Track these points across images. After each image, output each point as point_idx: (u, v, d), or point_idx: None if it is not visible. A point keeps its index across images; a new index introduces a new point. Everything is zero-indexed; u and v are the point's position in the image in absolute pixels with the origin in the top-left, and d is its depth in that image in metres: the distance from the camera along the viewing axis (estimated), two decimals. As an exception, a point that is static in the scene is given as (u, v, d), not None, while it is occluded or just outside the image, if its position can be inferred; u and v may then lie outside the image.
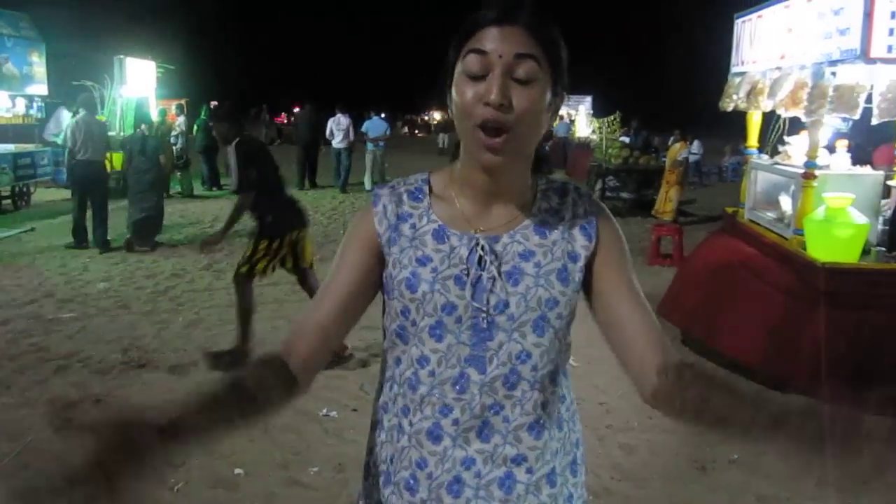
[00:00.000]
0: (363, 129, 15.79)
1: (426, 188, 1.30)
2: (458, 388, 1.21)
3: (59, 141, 8.90)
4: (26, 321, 5.83)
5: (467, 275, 1.21)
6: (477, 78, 1.14)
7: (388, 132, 16.07)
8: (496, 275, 1.21)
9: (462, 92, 1.15)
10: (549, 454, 1.26)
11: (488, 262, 1.21)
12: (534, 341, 1.22)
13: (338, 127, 15.39)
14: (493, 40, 1.13)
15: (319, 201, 13.79)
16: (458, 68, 1.17)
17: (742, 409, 1.03)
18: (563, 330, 1.26)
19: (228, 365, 4.77)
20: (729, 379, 1.12)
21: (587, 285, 1.27)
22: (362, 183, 15.47)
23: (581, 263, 1.25)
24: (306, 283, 5.10)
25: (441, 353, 1.22)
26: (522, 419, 1.23)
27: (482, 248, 1.22)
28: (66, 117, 13.43)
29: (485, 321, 1.20)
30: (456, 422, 1.22)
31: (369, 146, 15.57)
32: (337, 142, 15.46)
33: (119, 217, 9.51)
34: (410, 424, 1.25)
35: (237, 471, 3.57)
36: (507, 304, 1.20)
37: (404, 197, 1.29)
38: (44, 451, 3.70)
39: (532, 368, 1.22)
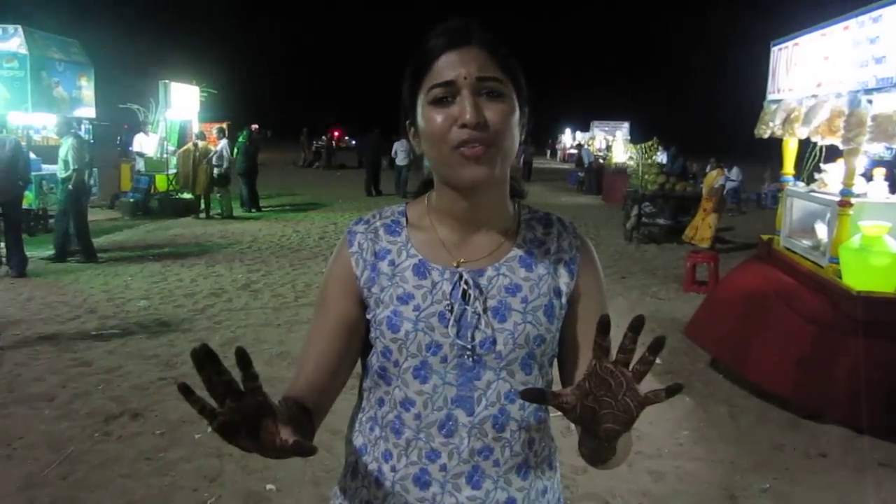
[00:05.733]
0: None
1: (403, 220, 1.25)
2: (444, 431, 1.15)
3: (66, 166, 9.03)
4: (70, 336, 6.00)
5: (451, 311, 1.15)
6: (444, 103, 1.11)
7: None
8: (481, 311, 1.16)
9: (431, 119, 1.12)
10: (535, 493, 1.22)
11: (473, 298, 1.16)
12: (522, 380, 1.17)
13: (402, 148, 19.01)
14: (453, 66, 1.11)
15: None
16: (422, 101, 1.14)
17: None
18: (546, 367, 1.23)
19: None
20: None
21: None
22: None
23: (564, 300, 1.22)
24: None
25: (427, 395, 1.16)
26: (512, 461, 1.18)
27: (466, 283, 1.17)
28: (142, 138, 14.19)
29: (470, 359, 1.15)
30: (444, 467, 1.16)
31: (426, 163, 19.02)
32: (400, 160, 19.26)
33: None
34: (394, 470, 1.18)
35: (269, 486, 3.64)
36: (494, 342, 1.15)
37: (381, 232, 1.23)
38: (84, 462, 3.81)
39: (520, 407, 1.18)
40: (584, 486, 3.72)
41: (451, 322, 1.15)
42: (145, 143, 14.19)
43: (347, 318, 1.20)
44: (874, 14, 4.47)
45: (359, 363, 1.27)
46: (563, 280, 1.23)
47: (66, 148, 8.99)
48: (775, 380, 4.83)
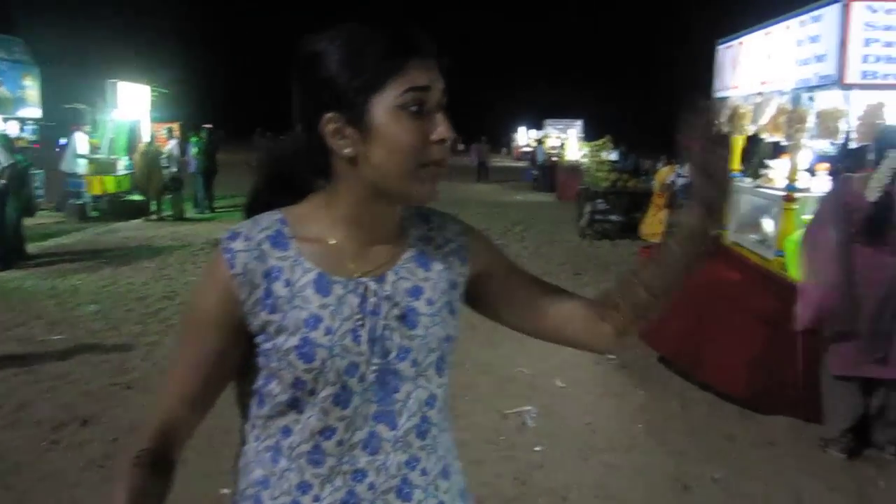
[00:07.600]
0: None
1: (285, 230, 1.13)
2: (369, 450, 1.10)
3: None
4: (16, 343, 5.84)
5: (363, 327, 1.09)
6: (415, 113, 1.04)
7: None
8: (392, 321, 1.11)
9: (403, 130, 1.04)
10: (456, 491, 1.22)
11: (381, 308, 1.11)
12: (438, 383, 1.16)
13: None
14: (425, 75, 1.05)
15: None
16: (386, 102, 1.04)
17: (669, 259, 1.19)
18: (449, 362, 1.20)
19: None
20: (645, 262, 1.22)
21: (488, 305, 1.26)
22: None
23: (460, 290, 1.21)
24: None
25: (348, 419, 1.09)
26: (438, 466, 1.16)
27: (374, 293, 1.11)
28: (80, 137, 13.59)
29: (388, 373, 1.10)
30: (372, 486, 1.10)
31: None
32: None
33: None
34: (317, 500, 1.09)
35: (224, 490, 3.58)
36: (409, 350, 1.11)
37: (265, 246, 1.11)
38: (30, 473, 3.71)
39: (438, 411, 1.17)
40: (539, 481, 3.76)
41: (365, 339, 1.09)
42: (81, 143, 13.75)
43: (221, 349, 1.12)
44: (815, 13, 4.60)
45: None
46: (457, 270, 1.21)
47: None
48: (727, 381, 4.90)
